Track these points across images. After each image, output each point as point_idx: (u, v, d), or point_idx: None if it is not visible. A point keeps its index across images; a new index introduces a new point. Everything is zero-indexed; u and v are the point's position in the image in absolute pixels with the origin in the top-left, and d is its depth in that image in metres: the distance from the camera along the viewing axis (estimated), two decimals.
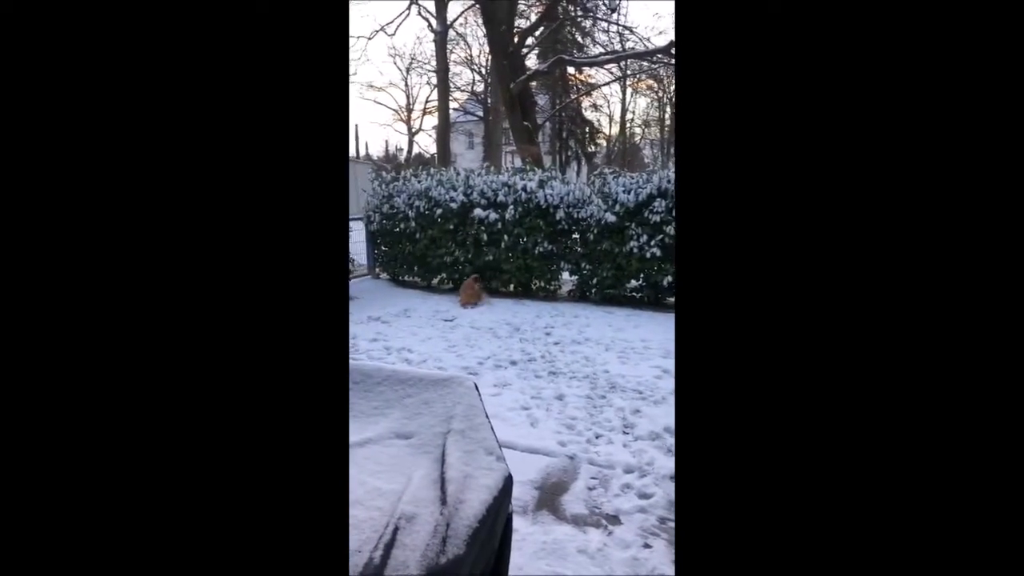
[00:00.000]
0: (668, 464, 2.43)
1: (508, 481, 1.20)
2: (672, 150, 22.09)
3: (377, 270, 7.62)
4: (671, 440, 2.69)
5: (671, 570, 1.74)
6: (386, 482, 1.11)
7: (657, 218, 5.76)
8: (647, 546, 1.87)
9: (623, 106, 23.51)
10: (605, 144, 23.61)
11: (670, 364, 3.93)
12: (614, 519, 2.03)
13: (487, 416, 1.38)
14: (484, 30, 11.45)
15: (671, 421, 2.89)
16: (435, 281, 7.15)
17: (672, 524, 2.00)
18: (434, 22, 15.43)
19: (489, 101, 16.75)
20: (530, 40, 12.18)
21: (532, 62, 13.64)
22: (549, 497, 2.18)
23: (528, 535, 1.90)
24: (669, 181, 5.80)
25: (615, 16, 12.26)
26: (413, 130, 25.73)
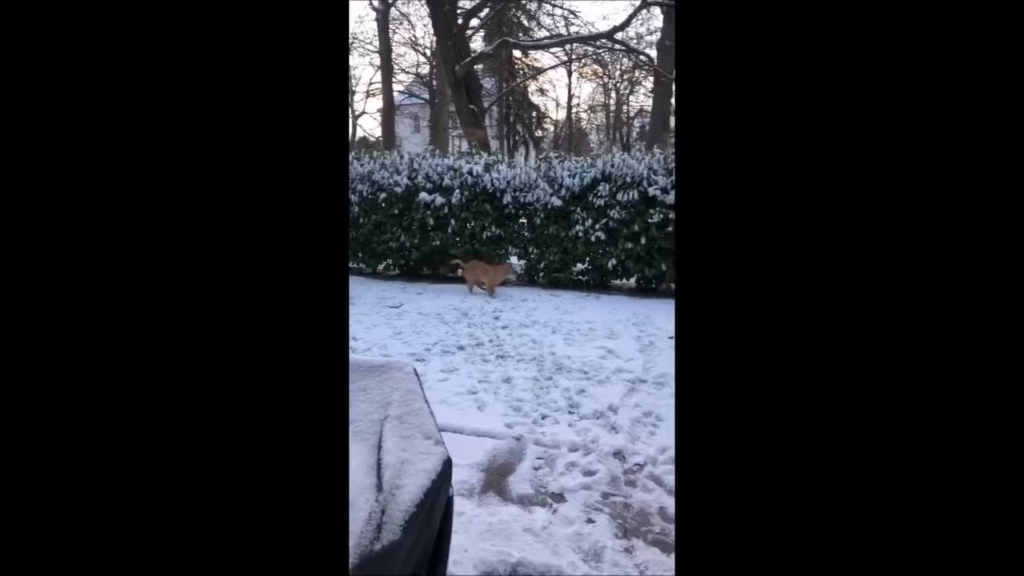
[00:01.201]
0: (611, 441, 2.49)
1: (447, 464, 1.19)
2: (617, 135, 22.42)
3: None
4: (614, 418, 2.76)
5: (613, 543, 1.79)
6: None
7: (601, 202, 5.85)
8: (590, 521, 1.91)
9: (569, 91, 23.63)
10: (552, 129, 23.70)
11: (614, 344, 4.02)
12: (559, 497, 2.07)
13: (426, 401, 1.36)
14: (427, 9, 11.18)
15: (614, 399, 2.97)
16: (380, 267, 7.01)
17: (614, 499, 2.06)
18: (375, 0, 14.92)
19: (435, 84, 16.43)
20: (475, 22, 11.99)
21: (478, 44, 13.46)
22: (496, 479, 2.19)
23: (474, 517, 1.91)
24: (612, 165, 5.89)
25: None
26: (357, 112, 24.95)
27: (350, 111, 24.19)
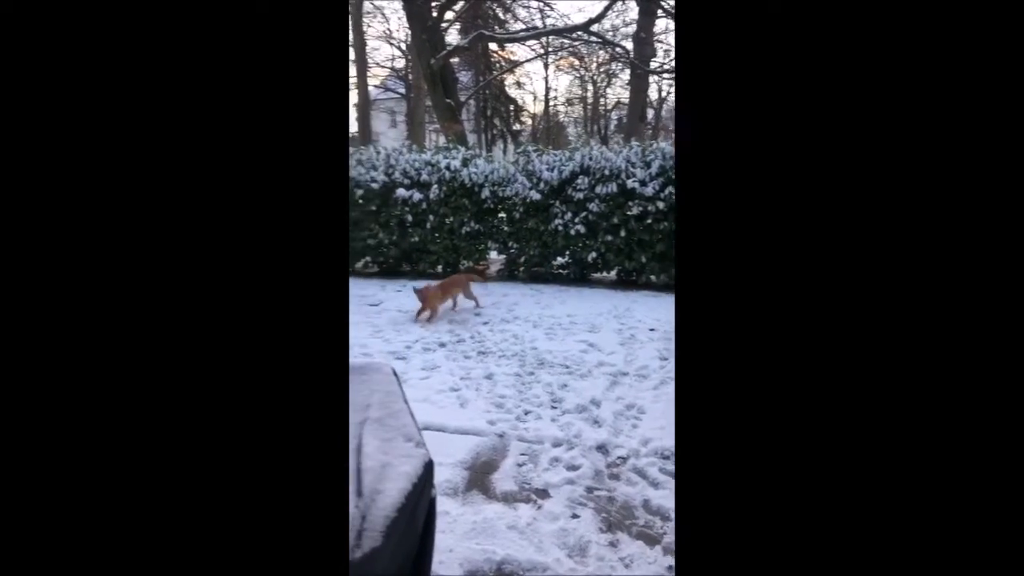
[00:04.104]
0: (594, 435, 2.49)
1: (428, 467, 1.17)
2: (595, 128, 22.47)
3: None
4: (597, 411, 2.76)
5: (597, 537, 1.79)
6: None
7: (580, 195, 5.85)
8: (575, 516, 1.91)
9: (546, 84, 23.58)
10: (530, 122, 23.66)
11: (595, 338, 4.03)
12: (543, 493, 2.07)
13: (406, 401, 1.34)
14: (402, 2, 11.02)
15: (597, 393, 2.98)
16: (359, 265, 6.92)
17: (599, 493, 2.06)
18: None
19: (410, 78, 16.24)
20: (450, 14, 11.87)
21: (453, 37, 13.33)
22: (479, 477, 2.18)
23: (459, 516, 1.89)
24: (591, 158, 5.89)
25: None
26: None
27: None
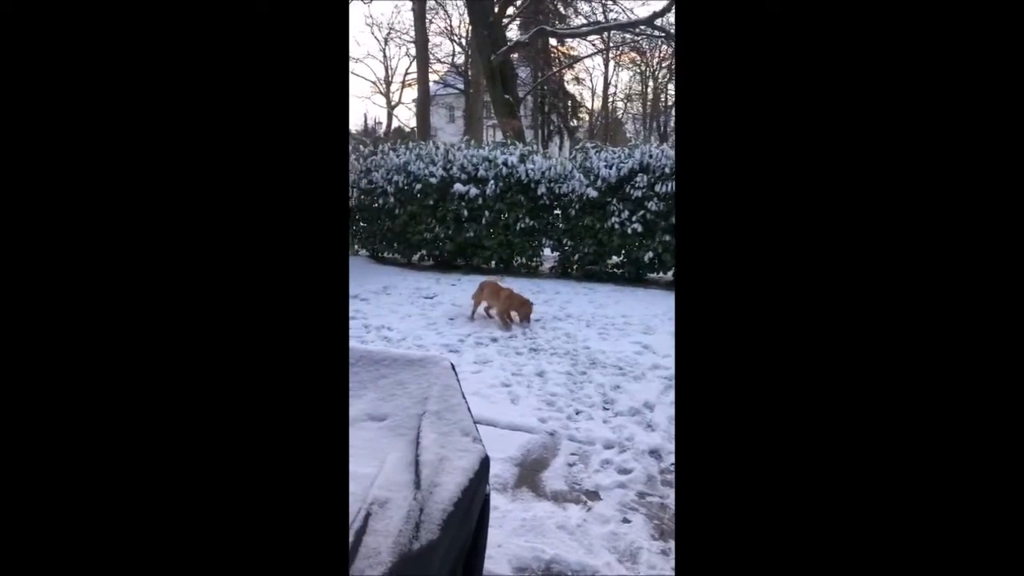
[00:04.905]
0: (647, 439, 2.44)
1: (484, 462, 1.18)
2: (654, 124, 21.97)
3: (356, 247, 7.51)
4: (650, 415, 2.71)
5: (649, 544, 1.76)
6: (359, 466, 1.08)
7: (639, 193, 5.74)
8: (626, 521, 1.88)
9: (605, 79, 23.23)
10: (588, 118, 23.40)
11: (650, 340, 3.95)
12: (594, 495, 2.04)
13: (463, 396, 1.35)
14: None
15: (651, 396, 2.91)
16: (415, 258, 7.07)
17: (651, 499, 2.02)
18: None
19: (470, 73, 16.40)
20: (511, 10, 11.89)
21: (513, 33, 13.35)
22: (529, 474, 2.18)
23: (508, 512, 1.90)
24: (651, 156, 5.76)
25: None
26: (392, 103, 25.15)
27: (386, 102, 24.39)
